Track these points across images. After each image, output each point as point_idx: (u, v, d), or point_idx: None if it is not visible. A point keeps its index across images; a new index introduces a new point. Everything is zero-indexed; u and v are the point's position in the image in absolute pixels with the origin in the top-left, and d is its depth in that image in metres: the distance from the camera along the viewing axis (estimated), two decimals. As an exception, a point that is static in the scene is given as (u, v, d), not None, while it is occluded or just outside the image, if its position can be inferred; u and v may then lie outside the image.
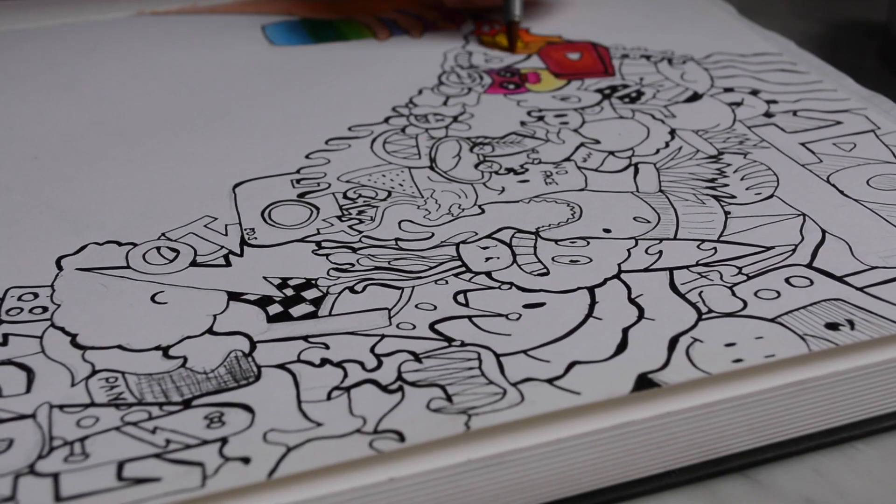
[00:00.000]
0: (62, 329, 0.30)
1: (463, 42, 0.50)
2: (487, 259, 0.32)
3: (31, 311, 0.30)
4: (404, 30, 0.52)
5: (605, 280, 0.31)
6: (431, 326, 0.29)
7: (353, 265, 0.32)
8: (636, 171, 0.38)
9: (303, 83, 0.46)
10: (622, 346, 0.28)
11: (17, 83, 0.46)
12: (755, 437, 0.28)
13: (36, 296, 0.31)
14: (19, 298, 0.31)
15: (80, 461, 0.25)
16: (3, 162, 0.39)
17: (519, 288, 0.31)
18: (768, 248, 0.32)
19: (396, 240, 0.34)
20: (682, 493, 0.28)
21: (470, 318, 0.30)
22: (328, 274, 0.32)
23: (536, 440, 0.26)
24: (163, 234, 0.34)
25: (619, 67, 0.46)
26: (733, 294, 0.30)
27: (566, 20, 0.52)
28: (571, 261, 0.32)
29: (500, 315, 0.30)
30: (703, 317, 0.29)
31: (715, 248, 0.33)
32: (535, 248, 0.33)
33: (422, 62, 0.48)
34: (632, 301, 0.30)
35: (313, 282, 0.32)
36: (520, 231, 0.34)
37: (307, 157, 0.39)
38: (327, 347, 0.29)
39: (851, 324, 0.29)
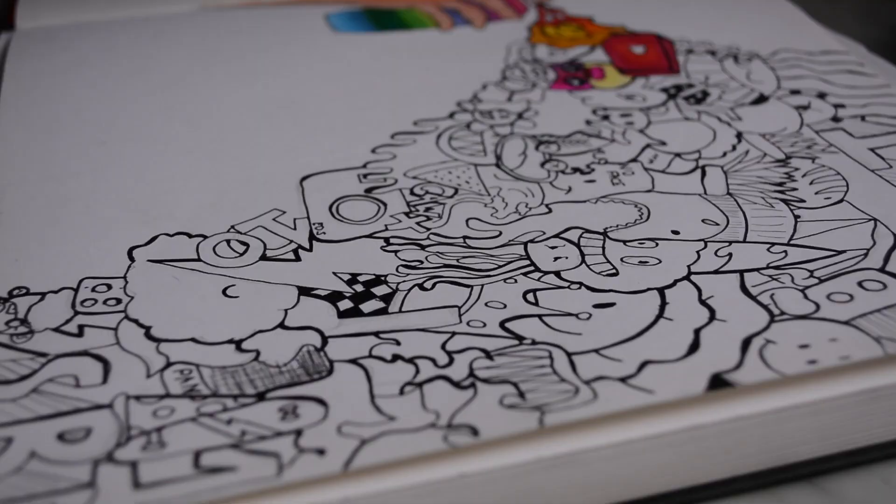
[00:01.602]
0: (136, 321, 0.30)
1: (526, 33, 0.50)
2: (556, 259, 0.32)
3: (104, 302, 0.31)
4: (467, 20, 0.52)
5: (675, 281, 0.31)
6: (502, 325, 0.29)
7: (421, 262, 0.33)
8: (703, 174, 0.37)
9: (367, 75, 0.46)
10: (694, 347, 0.28)
11: (83, 70, 0.47)
12: (824, 445, 0.28)
13: (109, 287, 0.32)
14: (93, 290, 0.31)
15: (157, 450, 0.25)
16: (71, 147, 0.40)
17: (588, 288, 0.31)
18: (839, 252, 0.32)
19: (464, 237, 0.34)
20: (748, 500, 0.28)
21: (540, 316, 0.30)
22: (397, 270, 0.32)
23: (607, 440, 0.26)
24: (232, 227, 0.35)
25: (683, 64, 0.46)
26: (805, 297, 0.30)
27: (630, 7, 0.52)
28: (640, 262, 0.32)
29: (570, 314, 0.30)
30: (776, 319, 0.29)
31: (785, 252, 0.32)
32: (603, 248, 0.33)
33: (485, 55, 0.48)
34: (702, 302, 0.30)
35: (383, 278, 0.32)
36: (587, 231, 0.34)
37: (373, 151, 0.39)
38: (398, 343, 0.29)
39: (927, 328, 0.28)
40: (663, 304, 0.30)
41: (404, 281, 0.32)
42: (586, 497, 0.27)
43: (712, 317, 0.29)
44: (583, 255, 0.33)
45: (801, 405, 0.27)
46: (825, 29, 0.49)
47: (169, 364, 0.28)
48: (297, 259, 0.33)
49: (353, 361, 0.28)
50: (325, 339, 0.29)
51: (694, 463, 0.27)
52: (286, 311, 0.30)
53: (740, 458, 0.27)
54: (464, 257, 0.33)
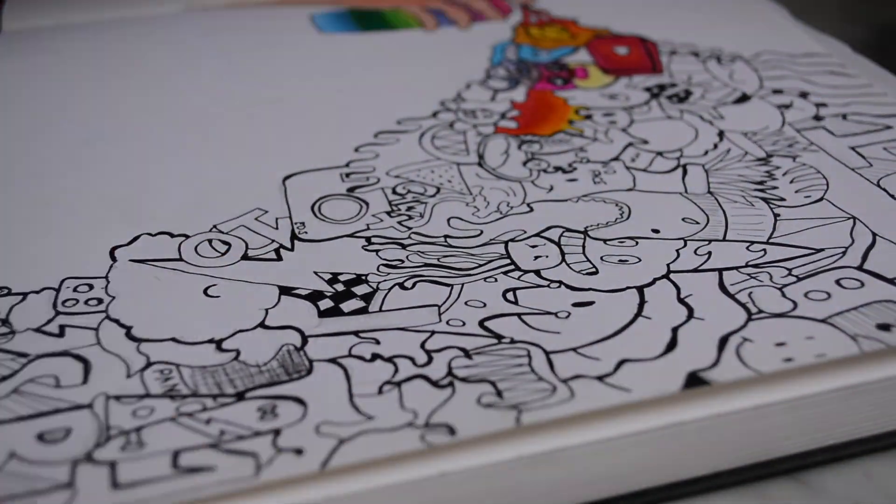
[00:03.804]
0: (117, 321, 0.30)
1: (511, 34, 0.50)
2: (536, 257, 0.33)
3: (86, 302, 0.31)
4: (451, 20, 0.52)
5: (654, 280, 0.31)
6: (481, 323, 0.30)
7: (402, 261, 0.33)
8: (684, 172, 0.38)
9: (351, 74, 0.46)
10: (672, 345, 0.28)
11: (69, 70, 0.47)
12: (806, 440, 0.28)
13: (91, 287, 0.32)
14: (75, 289, 0.31)
15: (136, 450, 0.25)
16: (57, 147, 0.40)
17: (568, 287, 0.31)
18: (818, 251, 0.32)
19: (445, 237, 0.34)
20: (731, 495, 0.28)
21: (519, 315, 0.30)
22: (378, 270, 0.32)
23: (587, 438, 0.26)
24: (214, 227, 0.35)
25: (667, 64, 0.46)
26: (783, 295, 0.30)
27: (615, 10, 0.52)
28: (620, 260, 0.32)
29: (549, 313, 0.30)
30: (753, 317, 0.29)
31: (764, 250, 0.32)
32: (583, 247, 0.33)
33: (469, 54, 0.48)
34: (681, 301, 0.30)
35: (363, 277, 0.32)
36: (568, 230, 0.34)
37: (356, 150, 0.39)
38: (378, 343, 0.29)
39: (903, 325, 0.29)
40: (642, 302, 0.30)
41: (385, 280, 0.32)
42: (568, 494, 0.27)
43: (690, 315, 0.29)
44: (563, 253, 0.33)
45: (781, 402, 0.27)
46: (809, 30, 0.50)
47: (149, 364, 0.28)
48: (279, 258, 0.33)
49: (333, 361, 0.28)
50: (304, 339, 0.29)
51: (676, 459, 0.27)
52: (267, 310, 0.30)
53: (722, 454, 0.27)
54: (444, 256, 0.33)
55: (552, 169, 0.38)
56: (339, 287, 0.31)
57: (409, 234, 0.34)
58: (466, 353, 0.28)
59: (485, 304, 0.30)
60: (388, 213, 0.35)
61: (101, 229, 0.34)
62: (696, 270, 0.32)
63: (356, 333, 0.29)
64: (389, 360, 0.28)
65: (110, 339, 0.29)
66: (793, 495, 0.28)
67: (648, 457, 0.27)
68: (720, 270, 0.32)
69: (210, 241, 0.34)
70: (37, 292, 0.31)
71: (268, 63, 0.47)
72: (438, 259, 0.33)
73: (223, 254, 0.33)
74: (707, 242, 0.33)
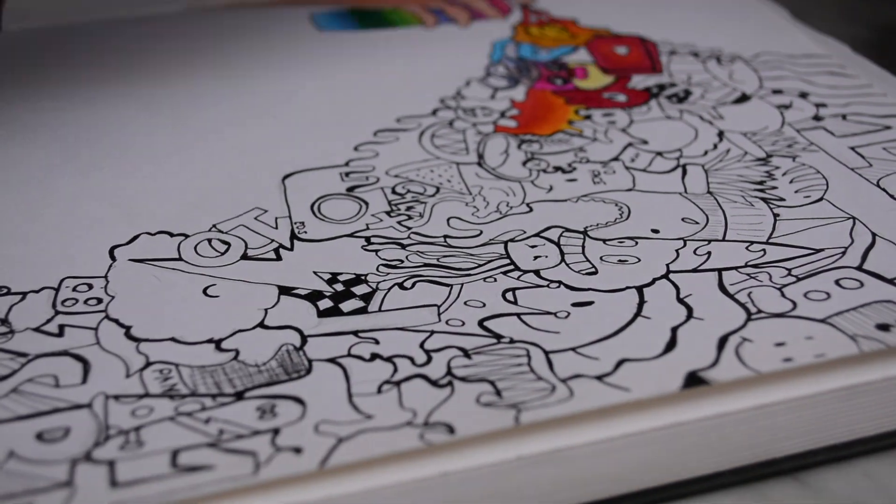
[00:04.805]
0: (116, 321, 0.30)
1: (511, 32, 0.50)
2: (536, 258, 0.33)
3: (85, 302, 0.31)
4: (451, 18, 0.52)
5: (654, 280, 0.31)
6: (480, 323, 0.30)
7: (402, 261, 0.33)
8: (684, 173, 0.37)
9: (350, 72, 0.46)
10: (671, 345, 0.28)
11: (68, 70, 0.47)
12: (806, 440, 0.28)
13: (90, 287, 0.32)
14: (74, 289, 0.31)
15: (135, 449, 0.25)
16: (56, 146, 0.40)
17: (567, 287, 0.31)
18: (818, 251, 0.32)
19: (445, 237, 0.34)
20: (732, 495, 0.28)
21: (519, 315, 0.30)
22: (377, 270, 0.32)
23: (588, 438, 0.26)
24: (214, 226, 0.35)
25: (666, 64, 0.46)
26: (783, 295, 0.30)
27: (615, 10, 0.52)
28: (620, 260, 0.32)
29: (548, 313, 0.30)
30: (753, 317, 0.29)
31: (764, 250, 0.32)
32: (583, 247, 0.33)
33: (469, 52, 0.48)
34: (680, 301, 0.30)
35: (363, 277, 0.32)
36: (568, 230, 0.34)
37: (355, 149, 0.39)
38: (377, 342, 0.29)
39: (903, 326, 0.29)
40: (641, 302, 0.30)
41: (384, 280, 0.32)
42: (568, 494, 0.27)
43: (690, 315, 0.29)
44: (562, 253, 0.33)
45: (781, 402, 0.27)
46: (809, 30, 0.50)
47: (148, 364, 0.28)
48: (278, 258, 0.33)
49: (332, 360, 0.28)
50: (304, 339, 0.29)
51: (676, 459, 0.27)
52: (266, 310, 0.30)
53: (722, 454, 0.27)
54: (444, 256, 0.33)
55: (552, 169, 0.38)
56: (339, 287, 0.31)
57: (408, 233, 0.34)
58: (466, 353, 0.28)
59: (484, 304, 0.30)
60: (388, 213, 0.35)
61: (100, 229, 0.34)
62: (695, 270, 0.32)
63: (355, 333, 0.29)
64: (388, 359, 0.28)
65: (109, 338, 0.29)
66: (793, 495, 0.28)
67: (648, 457, 0.27)
68: (720, 270, 0.32)
69: (209, 240, 0.34)
70: (36, 292, 0.31)
71: (267, 62, 0.47)
72: (438, 259, 0.33)
73: (222, 253, 0.33)
74: (706, 242, 0.33)
